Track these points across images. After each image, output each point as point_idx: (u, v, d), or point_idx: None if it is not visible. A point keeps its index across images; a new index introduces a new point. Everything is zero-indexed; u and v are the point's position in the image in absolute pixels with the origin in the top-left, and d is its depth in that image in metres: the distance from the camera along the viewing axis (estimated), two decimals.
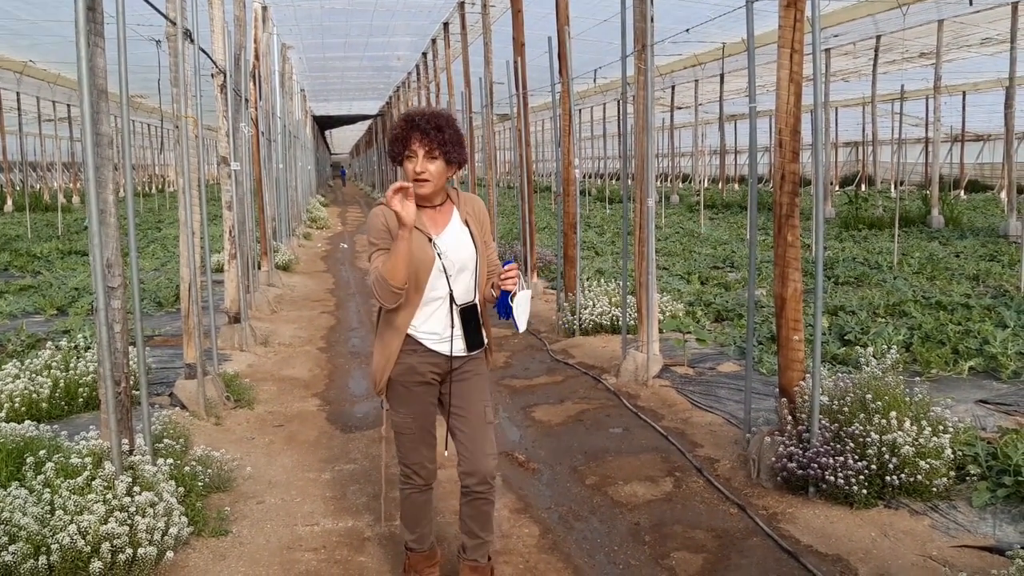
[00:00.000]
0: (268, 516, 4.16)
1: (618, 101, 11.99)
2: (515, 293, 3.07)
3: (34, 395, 5.26)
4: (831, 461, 4.01)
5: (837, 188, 24.93)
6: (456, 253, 3.09)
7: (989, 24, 15.41)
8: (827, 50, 17.16)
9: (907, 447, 3.94)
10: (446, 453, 3.32)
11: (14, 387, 5.22)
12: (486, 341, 3.24)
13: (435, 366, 3.14)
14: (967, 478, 4.10)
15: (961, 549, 3.60)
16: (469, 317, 3.14)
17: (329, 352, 7.90)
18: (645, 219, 6.21)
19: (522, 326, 3.14)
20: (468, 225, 3.15)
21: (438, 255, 3.05)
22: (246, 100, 9.52)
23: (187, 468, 4.16)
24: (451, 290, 3.08)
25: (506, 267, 3.10)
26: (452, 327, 3.11)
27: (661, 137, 27.70)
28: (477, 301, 3.18)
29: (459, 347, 3.14)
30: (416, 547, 3.37)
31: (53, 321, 8.55)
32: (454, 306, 3.10)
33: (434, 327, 3.11)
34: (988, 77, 21.49)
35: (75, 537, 3.23)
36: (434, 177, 3.01)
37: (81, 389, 5.50)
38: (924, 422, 4.09)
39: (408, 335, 3.09)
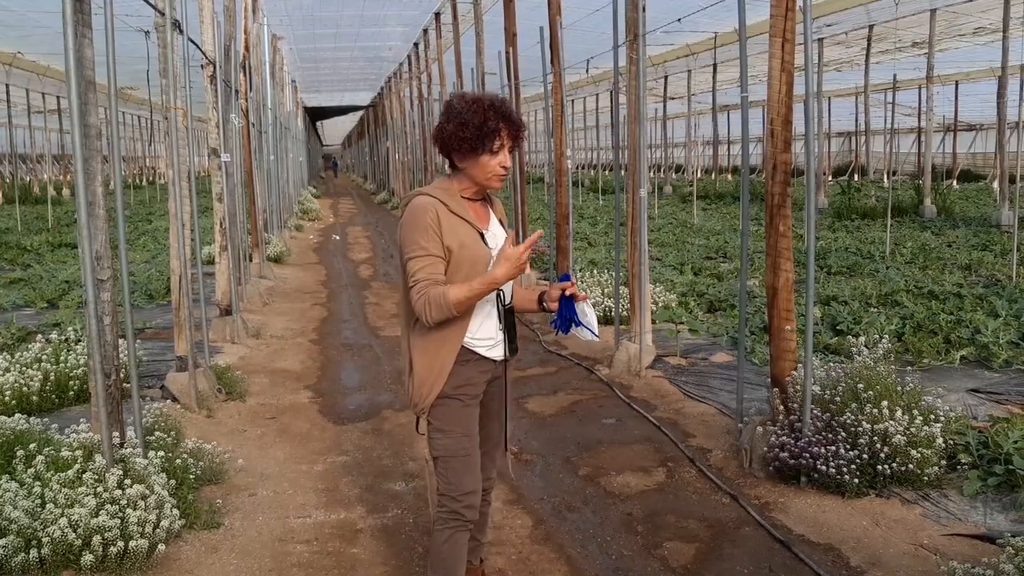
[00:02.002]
0: (260, 508, 4.16)
1: (611, 91, 11.97)
2: (580, 302, 2.84)
3: (24, 388, 5.23)
4: (823, 451, 4.02)
5: (830, 178, 24.98)
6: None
7: (982, 13, 15.43)
8: (819, 40, 17.15)
9: (898, 436, 3.95)
10: None
11: (4, 380, 5.19)
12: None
13: (487, 374, 2.90)
14: (958, 467, 4.11)
15: (952, 537, 3.61)
16: (510, 319, 2.94)
17: (321, 344, 7.88)
18: (638, 210, 6.20)
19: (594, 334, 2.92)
20: (502, 225, 2.98)
21: (491, 249, 2.82)
22: (236, 91, 9.46)
23: (178, 461, 4.14)
24: (500, 289, 2.82)
25: (566, 282, 2.85)
26: (504, 329, 2.88)
27: (654, 127, 27.67)
28: (512, 304, 2.97)
29: (504, 351, 2.92)
30: None
31: (43, 314, 8.50)
32: (501, 306, 2.87)
33: (488, 331, 2.86)
34: (981, 66, 21.55)
35: (66, 530, 3.22)
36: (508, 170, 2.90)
37: (72, 382, 5.47)
38: (916, 411, 4.10)
39: (462, 345, 2.81)
